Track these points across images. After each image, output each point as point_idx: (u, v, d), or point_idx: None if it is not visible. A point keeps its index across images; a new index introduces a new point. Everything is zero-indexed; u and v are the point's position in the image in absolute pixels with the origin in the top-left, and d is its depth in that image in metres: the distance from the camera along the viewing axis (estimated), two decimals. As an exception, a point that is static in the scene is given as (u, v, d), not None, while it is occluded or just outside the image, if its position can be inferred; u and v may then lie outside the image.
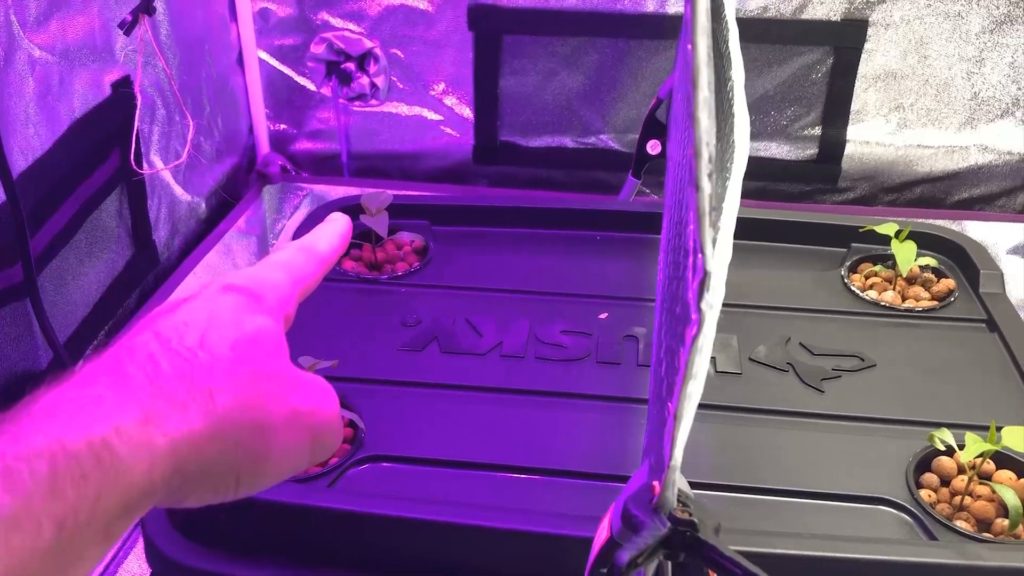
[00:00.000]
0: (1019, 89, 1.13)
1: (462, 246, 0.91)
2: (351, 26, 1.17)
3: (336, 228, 0.43)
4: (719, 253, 0.32)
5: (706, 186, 0.34)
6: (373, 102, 1.21)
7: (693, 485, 0.37)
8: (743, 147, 0.44)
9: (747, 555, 0.30)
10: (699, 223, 0.34)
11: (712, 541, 0.30)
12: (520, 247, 0.91)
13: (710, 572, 0.31)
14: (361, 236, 0.87)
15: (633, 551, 0.29)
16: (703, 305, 0.32)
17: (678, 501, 0.32)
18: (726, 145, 0.41)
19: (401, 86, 1.20)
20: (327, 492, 0.63)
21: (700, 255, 0.33)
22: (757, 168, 1.19)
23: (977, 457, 0.64)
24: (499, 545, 0.58)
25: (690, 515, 0.30)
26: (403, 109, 1.21)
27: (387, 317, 0.80)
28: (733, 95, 0.45)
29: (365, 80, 1.19)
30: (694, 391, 0.31)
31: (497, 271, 0.86)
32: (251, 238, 1.16)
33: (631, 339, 0.79)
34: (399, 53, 1.18)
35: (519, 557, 0.57)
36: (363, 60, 1.19)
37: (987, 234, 1.19)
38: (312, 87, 1.21)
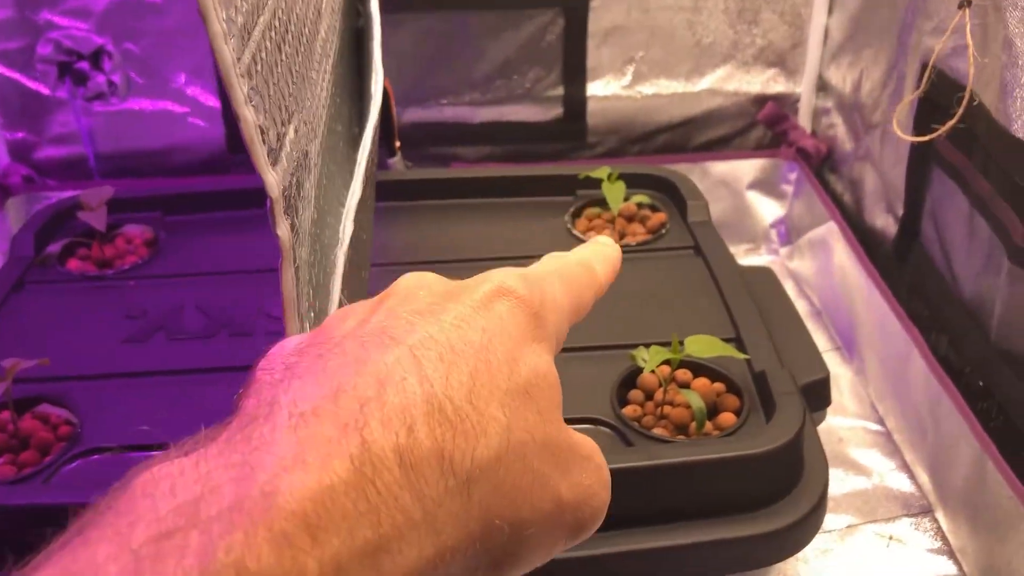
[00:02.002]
0: (736, 33, 1.21)
1: (196, 234, 0.90)
2: (77, 23, 1.13)
3: (610, 255, 0.33)
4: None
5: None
6: (114, 100, 1.17)
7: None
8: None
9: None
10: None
11: None
12: (246, 229, 0.91)
13: None
14: (87, 234, 0.85)
15: None
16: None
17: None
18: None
19: (140, 81, 1.17)
20: (41, 488, 0.62)
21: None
22: (509, 132, 1.23)
23: (673, 369, 0.70)
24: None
25: None
26: (146, 105, 1.18)
27: (111, 312, 0.79)
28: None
29: (102, 78, 1.16)
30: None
31: (229, 255, 0.86)
32: (-5, 254, 1.11)
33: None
34: (133, 48, 1.15)
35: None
36: (97, 58, 1.15)
37: (728, 172, 1.28)
38: (46, 91, 1.17)
